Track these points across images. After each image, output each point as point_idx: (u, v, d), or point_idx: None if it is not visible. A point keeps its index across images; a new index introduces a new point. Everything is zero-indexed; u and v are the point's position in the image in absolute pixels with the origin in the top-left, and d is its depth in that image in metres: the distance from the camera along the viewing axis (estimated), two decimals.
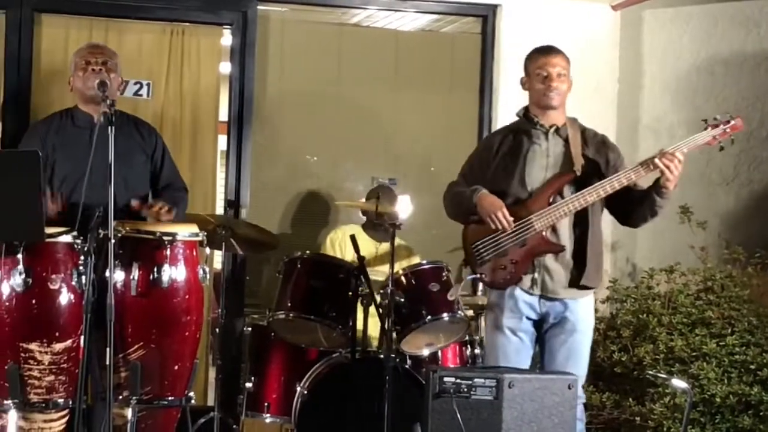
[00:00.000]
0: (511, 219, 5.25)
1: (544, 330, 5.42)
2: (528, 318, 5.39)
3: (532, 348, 5.46)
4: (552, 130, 5.39)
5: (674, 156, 5.12)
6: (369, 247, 6.44)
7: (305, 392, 5.86)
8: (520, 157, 5.38)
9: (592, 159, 5.38)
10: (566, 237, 5.35)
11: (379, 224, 6.54)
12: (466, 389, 4.89)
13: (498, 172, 5.43)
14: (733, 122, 5.24)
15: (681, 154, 5.14)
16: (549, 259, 5.34)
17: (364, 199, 6.73)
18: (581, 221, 5.36)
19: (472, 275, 5.53)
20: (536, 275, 5.34)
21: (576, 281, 5.34)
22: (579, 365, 5.39)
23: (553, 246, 5.31)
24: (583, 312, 5.40)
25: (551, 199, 5.29)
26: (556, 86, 5.34)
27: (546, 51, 5.45)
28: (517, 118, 5.56)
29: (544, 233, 5.29)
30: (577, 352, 5.41)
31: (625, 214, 5.47)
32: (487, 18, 7.47)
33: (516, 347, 5.41)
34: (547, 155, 5.38)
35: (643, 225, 5.50)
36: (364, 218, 6.77)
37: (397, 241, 5.89)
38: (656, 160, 5.14)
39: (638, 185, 5.34)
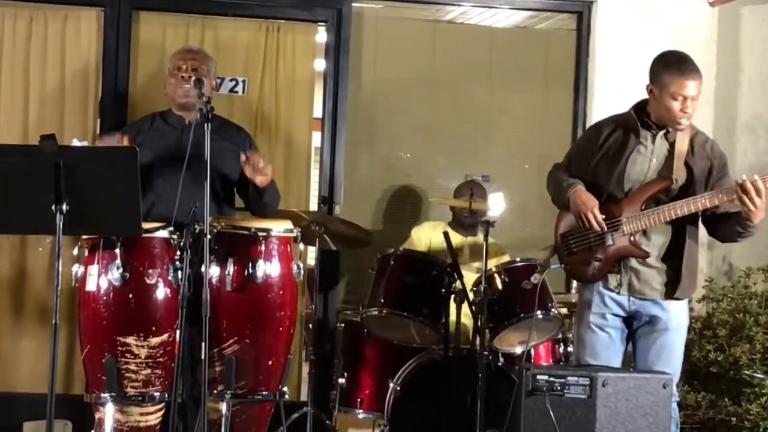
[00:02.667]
0: (601, 219, 5.21)
1: (635, 328, 5.38)
2: (615, 315, 5.35)
3: (622, 345, 5.41)
4: (661, 133, 5.29)
5: (755, 187, 4.94)
6: (456, 243, 6.41)
7: (398, 388, 5.88)
8: (623, 155, 5.31)
9: (693, 169, 5.26)
10: (656, 244, 5.28)
11: (467, 221, 6.55)
12: (559, 387, 4.89)
13: (599, 166, 5.38)
14: None
15: (761, 184, 4.95)
16: (637, 262, 5.29)
17: (454, 195, 6.73)
18: (678, 230, 5.28)
19: (557, 265, 5.53)
20: (623, 276, 5.30)
21: (670, 293, 5.27)
22: (671, 364, 5.32)
23: (639, 251, 5.25)
24: (675, 311, 5.33)
25: (644, 206, 5.22)
26: (691, 112, 5.18)
27: (690, 71, 5.20)
28: (627, 111, 5.42)
29: (632, 237, 5.24)
30: (669, 351, 5.34)
31: (713, 230, 5.39)
32: (582, 14, 7.43)
33: (603, 343, 5.37)
34: (650, 158, 5.29)
35: (738, 239, 5.37)
36: (451, 215, 6.78)
37: (480, 239, 5.89)
38: (741, 186, 4.97)
39: (724, 206, 5.20)
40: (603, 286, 5.35)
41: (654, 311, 5.30)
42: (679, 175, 5.23)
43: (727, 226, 5.26)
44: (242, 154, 5.48)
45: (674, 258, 5.27)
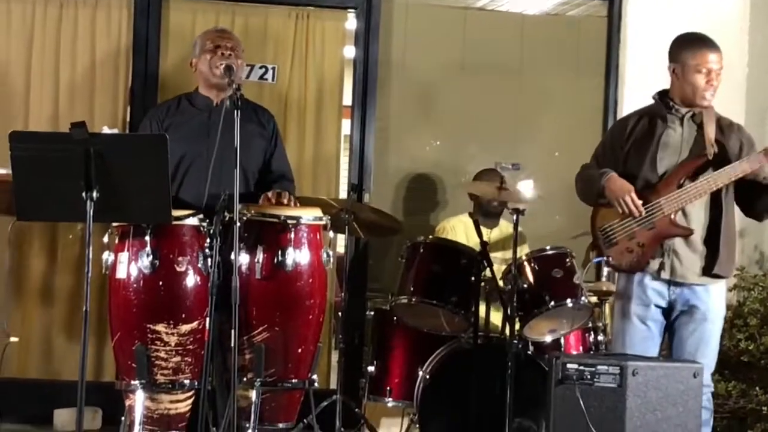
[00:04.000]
0: (639, 203, 5.23)
1: (673, 318, 5.37)
2: (657, 306, 5.34)
3: (659, 337, 5.41)
4: (688, 115, 5.33)
5: None
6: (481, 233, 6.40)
7: (427, 377, 5.88)
8: (653, 140, 5.35)
9: (725, 145, 5.30)
10: (698, 222, 5.30)
11: (496, 210, 6.54)
12: (589, 376, 4.89)
13: (630, 155, 5.40)
14: None
15: None
16: (679, 244, 5.29)
17: (478, 182, 6.69)
18: (715, 207, 5.30)
19: (599, 257, 5.52)
20: (665, 259, 5.29)
21: (709, 269, 5.28)
22: (708, 355, 5.34)
23: (683, 229, 5.26)
24: (713, 300, 5.34)
25: (681, 182, 5.25)
26: (717, 85, 5.28)
27: (711, 45, 5.35)
28: (651, 101, 5.50)
29: (672, 216, 5.24)
30: (706, 342, 5.35)
31: (750, 203, 5.40)
32: (614, 1, 7.41)
33: (643, 335, 5.37)
34: (681, 140, 5.33)
35: None
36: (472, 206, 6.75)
37: (510, 227, 5.89)
38: None
39: (760, 174, 5.25)
40: (644, 276, 5.36)
41: (693, 300, 5.31)
42: (711, 151, 5.25)
43: (763, 198, 5.30)
44: (270, 194, 5.51)
45: (713, 235, 5.30)
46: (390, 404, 6.31)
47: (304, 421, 5.78)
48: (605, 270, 6.22)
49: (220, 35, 5.72)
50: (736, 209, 5.45)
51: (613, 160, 5.44)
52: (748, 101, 7.34)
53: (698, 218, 5.30)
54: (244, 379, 5.06)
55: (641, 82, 6.98)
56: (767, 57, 7.25)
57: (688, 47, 5.36)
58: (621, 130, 5.52)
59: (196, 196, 5.35)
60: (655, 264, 5.30)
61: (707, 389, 5.22)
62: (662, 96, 5.43)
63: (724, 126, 5.38)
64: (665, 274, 5.29)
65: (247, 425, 5.07)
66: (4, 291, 6.51)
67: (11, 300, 6.81)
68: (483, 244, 5.91)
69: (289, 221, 5.20)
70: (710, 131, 5.30)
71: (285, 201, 5.41)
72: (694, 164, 5.27)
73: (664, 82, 5.42)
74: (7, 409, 5.08)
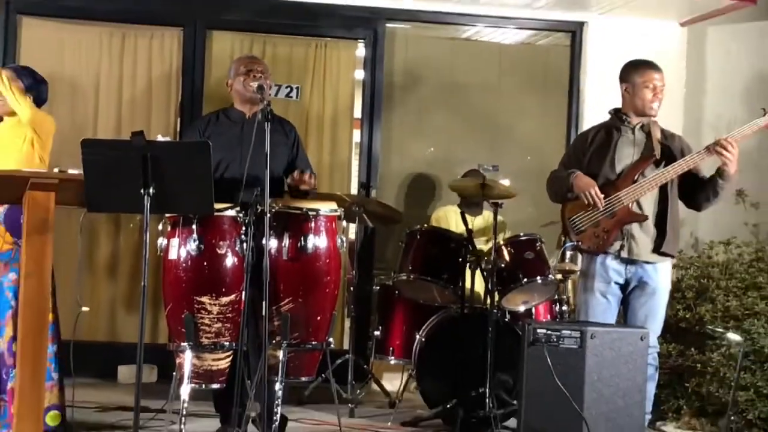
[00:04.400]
0: (601, 196, 5.23)
1: (628, 292, 5.38)
2: (615, 283, 5.35)
3: (616, 308, 5.42)
4: (638, 125, 5.35)
5: (728, 142, 5.11)
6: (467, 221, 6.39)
7: (423, 339, 5.90)
8: (610, 146, 5.36)
9: (670, 147, 5.34)
10: (650, 210, 5.31)
11: (474, 202, 6.52)
12: (555, 339, 4.89)
13: (592, 159, 5.40)
14: None
15: (735, 141, 5.13)
16: (635, 229, 5.29)
17: (462, 180, 6.65)
18: (663, 198, 5.32)
19: (570, 242, 5.53)
20: (624, 242, 5.29)
21: (658, 248, 5.30)
22: (656, 323, 5.35)
23: (639, 216, 5.26)
24: (660, 278, 5.35)
25: (636, 178, 5.26)
26: (661, 98, 5.34)
27: (654, 66, 5.41)
28: (607, 116, 5.53)
29: (630, 206, 5.24)
30: (654, 313, 5.36)
31: (692, 196, 5.39)
32: (576, 33, 7.38)
33: (603, 308, 5.36)
34: (633, 144, 5.34)
35: (707, 207, 5.42)
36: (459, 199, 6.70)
37: (492, 216, 5.89)
38: (716, 145, 5.13)
39: (702, 172, 5.29)
40: (606, 258, 5.36)
41: (645, 278, 5.32)
42: (659, 152, 5.28)
43: (703, 190, 5.31)
44: (295, 173, 5.47)
45: (661, 221, 5.32)
46: (392, 362, 6.34)
47: (323, 375, 5.79)
48: (568, 253, 6.21)
49: (251, 60, 5.69)
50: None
51: (577, 164, 5.43)
52: (685, 117, 7.32)
53: (650, 207, 5.30)
54: (273, 341, 5.03)
55: (597, 100, 6.96)
56: (701, 80, 7.24)
57: (636, 69, 5.39)
58: (583, 141, 5.52)
59: (232, 192, 5.35)
60: (616, 245, 5.29)
61: (653, 350, 5.22)
62: (617, 111, 5.45)
63: (667, 135, 5.40)
64: (624, 254, 5.28)
65: (276, 379, 5.04)
66: (77, 269, 6.51)
67: (83, 276, 6.83)
68: (468, 231, 5.92)
69: (309, 213, 5.17)
70: (656, 138, 5.32)
71: (306, 177, 5.41)
72: (645, 163, 5.27)
73: (616, 100, 5.43)
74: (79, 366, 5.07)
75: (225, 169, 5.45)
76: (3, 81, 5.41)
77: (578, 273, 5.64)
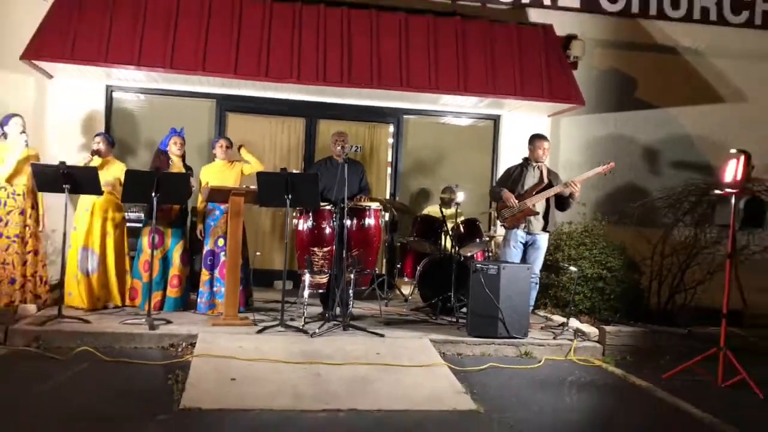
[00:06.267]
0: (516, 201, 5.20)
1: (526, 248, 5.32)
2: (521, 242, 5.30)
3: (520, 255, 5.36)
4: (537, 165, 5.29)
5: (574, 182, 5.09)
6: (444, 212, 6.34)
7: (421, 269, 5.82)
8: (522, 176, 5.32)
9: (551, 179, 5.27)
10: (541, 209, 5.26)
11: (450, 202, 6.45)
12: (485, 269, 4.87)
13: (512, 182, 5.34)
14: (611, 163, 5.18)
15: (579, 181, 5.09)
16: (532, 218, 5.25)
17: (442, 193, 6.60)
18: (547, 204, 5.26)
19: (501, 224, 5.44)
20: (527, 224, 5.25)
21: (544, 228, 5.25)
22: (539, 264, 5.33)
23: (534, 212, 5.23)
24: (543, 242, 5.31)
25: (534, 194, 5.21)
26: (548, 152, 5.32)
27: (544, 137, 5.32)
28: (519, 161, 5.42)
29: (531, 206, 5.20)
30: (539, 258, 5.33)
31: (559, 205, 5.34)
32: (496, 120, 7.20)
33: (513, 255, 5.32)
34: (534, 176, 5.29)
35: (566, 210, 5.38)
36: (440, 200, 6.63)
37: (455, 209, 5.86)
38: (569, 183, 5.09)
39: (564, 193, 5.22)
40: (517, 231, 5.27)
41: (536, 241, 5.26)
42: (546, 181, 5.23)
43: (565, 202, 5.26)
44: (356, 197, 5.33)
45: (546, 214, 5.25)
46: (406, 280, 6.27)
47: (373, 286, 5.73)
48: (495, 227, 6.13)
49: (339, 134, 5.68)
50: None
51: (506, 184, 5.37)
52: (551, 162, 7.06)
53: (541, 207, 5.26)
54: (349, 269, 5.05)
55: (506, 155, 6.87)
56: (555, 144, 7.05)
57: (535, 138, 5.34)
58: (508, 174, 5.46)
59: (330, 198, 5.34)
60: (522, 225, 5.26)
61: (536, 276, 5.19)
62: (525, 159, 5.38)
63: (551, 171, 5.33)
64: (526, 229, 5.25)
65: (349, 287, 5.07)
66: (255, 234, 6.49)
67: (258, 237, 6.80)
68: (443, 217, 5.89)
69: (366, 208, 5.21)
70: (545, 173, 5.26)
71: (362, 201, 5.36)
72: (539, 186, 5.23)
73: (517, 155, 5.38)
74: (255, 281, 5.16)
75: (326, 188, 5.43)
76: (246, 151, 5.42)
77: (501, 238, 5.60)
